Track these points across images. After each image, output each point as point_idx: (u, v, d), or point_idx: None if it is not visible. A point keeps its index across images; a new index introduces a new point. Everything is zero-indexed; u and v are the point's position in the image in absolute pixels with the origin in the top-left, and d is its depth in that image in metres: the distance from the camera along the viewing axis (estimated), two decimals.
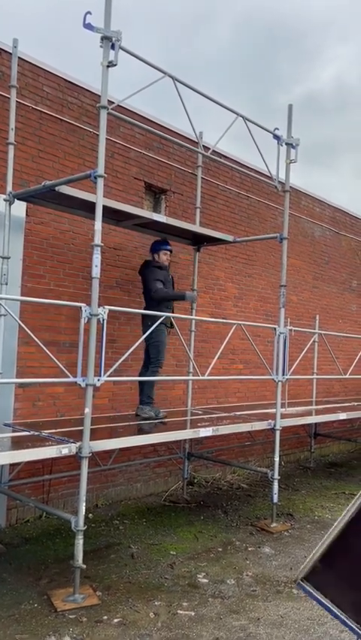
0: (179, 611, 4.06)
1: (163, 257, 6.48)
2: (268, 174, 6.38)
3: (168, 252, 6.55)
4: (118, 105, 5.12)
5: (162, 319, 5.44)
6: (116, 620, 3.88)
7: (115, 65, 4.39)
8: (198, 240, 7.20)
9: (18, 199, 5.36)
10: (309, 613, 4.12)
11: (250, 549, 5.41)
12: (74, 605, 4.03)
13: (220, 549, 5.37)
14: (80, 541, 4.16)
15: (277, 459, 6.26)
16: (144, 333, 5.81)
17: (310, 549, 5.47)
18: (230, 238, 7.11)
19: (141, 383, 6.39)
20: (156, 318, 5.45)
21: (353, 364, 8.82)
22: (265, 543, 5.59)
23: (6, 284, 5.28)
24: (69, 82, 6.31)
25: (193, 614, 4.04)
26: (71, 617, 3.90)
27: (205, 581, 4.64)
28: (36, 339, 4.35)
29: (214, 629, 3.84)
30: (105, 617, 3.91)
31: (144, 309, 6.27)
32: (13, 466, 5.44)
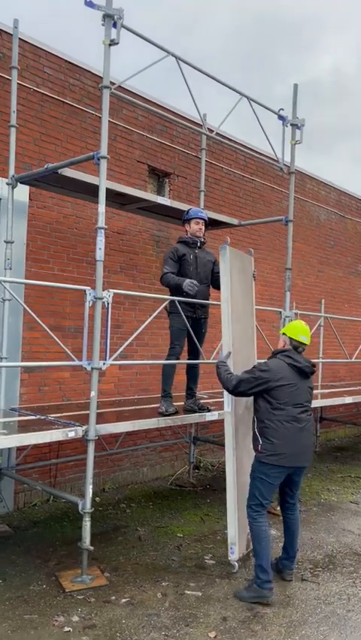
0: (186, 592, 4.08)
1: (195, 227, 5.44)
2: (273, 156, 6.31)
3: (201, 222, 5.46)
4: (120, 87, 5.05)
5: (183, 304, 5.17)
6: (124, 601, 3.91)
7: (117, 44, 4.32)
8: None
9: (21, 182, 5.31)
10: (316, 593, 4.14)
11: None
12: (82, 586, 4.06)
13: (227, 531, 5.39)
14: (87, 524, 4.19)
15: None
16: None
17: (316, 531, 5.49)
18: (235, 221, 7.05)
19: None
20: (173, 303, 5.26)
21: (359, 348, 8.78)
22: (271, 525, 5.60)
23: (10, 269, 5.27)
24: (70, 63, 6.22)
25: (200, 594, 4.06)
26: (79, 597, 3.93)
27: (212, 562, 4.66)
28: (41, 324, 4.34)
29: (221, 608, 3.86)
30: (113, 598, 3.94)
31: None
32: (19, 450, 5.47)
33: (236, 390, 4.24)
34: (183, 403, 5.68)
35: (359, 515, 6.05)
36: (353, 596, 4.11)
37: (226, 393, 4.59)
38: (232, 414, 4.67)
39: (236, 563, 4.49)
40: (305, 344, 4.38)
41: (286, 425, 4.06)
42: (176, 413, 5.23)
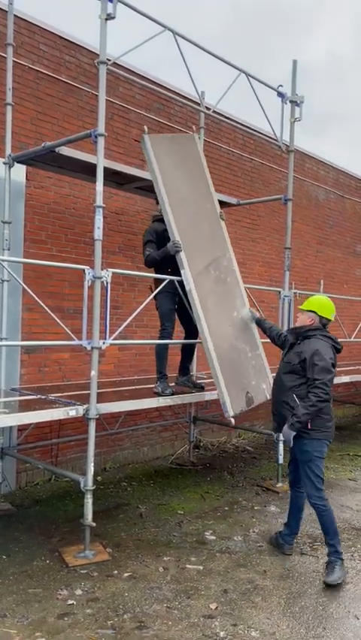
0: (187, 566, 4.15)
1: None
2: (272, 135, 6.25)
3: None
4: (117, 64, 4.97)
5: (163, 283, 5.19)
6: (126, 575, 3.98)
7: (113, 18, 4.25)
8: None
9: (17, 162, 5.27)
10: (315, 566, 4.22)
11: (256, 508, 5.50)
12: (85, 561, 4.13)
13: (227, 508, 5.47)
14: (89, 500, 4.24)
15: None
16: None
17: None
18: (233, 201, 7.01)
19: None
20: (159, 282, 5.26)
21: (358, 328, 8.80)
22: (270, 502, 5.69)
23: (8, 249, 5.24)
24: (66, 40, 6.13)
25: (202, 567, 4.13)
26: (82, 572, 4.00)
27: (213, 537, 4.73)
28: (42, 304, 4.34)
29: (222, 581, 3.94)
30: (116, 572, 4.01)
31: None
32: (21, 430, 5.51)
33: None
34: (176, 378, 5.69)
35: (357, 492, 6.13)
36: (350, 569, 4.19)
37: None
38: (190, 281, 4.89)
39: (233, 419, 4.86)
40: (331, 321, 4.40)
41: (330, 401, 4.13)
42: (173, 394, 5.26)
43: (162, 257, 5.12)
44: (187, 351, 5.79)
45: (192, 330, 5.53)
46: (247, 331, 5.49)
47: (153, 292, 5.27)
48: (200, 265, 5.18)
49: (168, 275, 5.13)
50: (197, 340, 5.70)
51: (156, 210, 5.44)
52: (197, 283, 4.98)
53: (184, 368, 5.78)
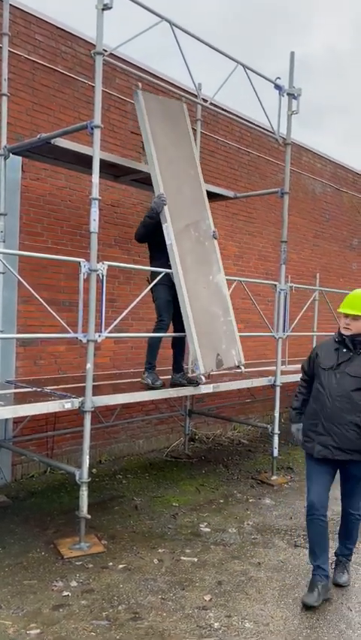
0: (182, 558, 4.18)
1: None
2: (269, 127, 6.22)
3: None
4: (113, 55, 4.93)
5: (160, 276, 5.20)
6: (121, 566, 4.00)
7: (110, 8, 4.20)
8: None
9: (13, 153, 5.23)
10: (308, 558, 4.24)
11: (250, 500, 5.53)
12: (80, 553, 4.15)
13: (222, 501, 5.50)
14: (84, 493, 4.25)
15: (277, 414, 6.34)
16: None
17: None
18: (230, 194, 6.99)
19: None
20: (154, 275, 5.25)
21: None
22: (265, 495, 5.72)
23: (3, 241, 5.23)
24: (62, 30, 6.07)
25: (196, 560, 4.16)
26: (77, 563, 4.02)
27: (207, 530, 4.76)
28: (37, 296, 4.31)
29: (217, 573, 3.96)
30: (110, 564, 4.03)
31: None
32: (16, 422, 5.51)
33: None
34: (170, 377, 5.66)
35: None
36: None
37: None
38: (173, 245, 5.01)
39: (203, 377, 5.04)
40: None
41: None
42: (163, 386, 5.22)
43: (150, 223, 5.13)
44: (179, 347, 5.77)
45: (180, 328, 5.52)
46: (220, 297, 5.57)
47: (149, 284, 5.25)
48: (181, 224, 5.28)
49: (160, 252, 5.15)
50: (184, 334, 5.68)
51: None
52: (178, 240, 5.10)
53: (177, 365, 5.75)
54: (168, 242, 5.06)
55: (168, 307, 5.31)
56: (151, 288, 5.24)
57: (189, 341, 5.08)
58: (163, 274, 5.08)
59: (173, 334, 5.49)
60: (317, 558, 3.73)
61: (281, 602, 3.59)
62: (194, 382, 5.45)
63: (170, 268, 5.12)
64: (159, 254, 5.20)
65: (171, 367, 5.66)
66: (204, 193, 5.79)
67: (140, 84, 5.17)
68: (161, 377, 5.27)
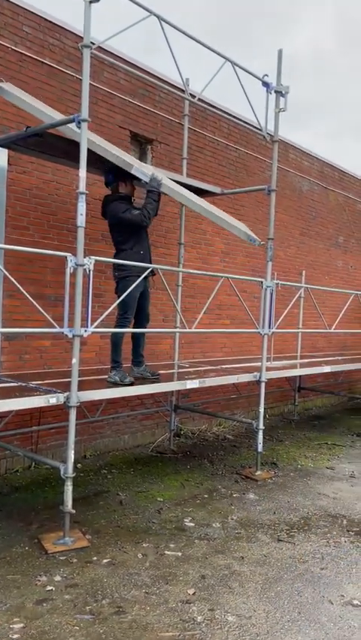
0: (166, 552, 4.20)
1: (131, 188, 5.74)
2: (256, 124, 6.23)
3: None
4: (101, 48, 4.90)
5: (148, 271, 5.27)
6: (105, 561, 4.01)
7: (98, 1, 4.18)
8: None
9: None
10: (291, 552, 4.30)
11: (235, 495, 5.57)
12: (64, 548, 4.15)
13: (206, 495, 5.53)
14: (69, 487, 4.25)
15: (261, 410, 6.38)
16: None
17: (293, 495, 5.66)
18: (218, 190, 7.00)
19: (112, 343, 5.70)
20: (122, 267, 5.28)
21: (338, 320, 8.89)
22: (249, 490, 5.76)
23: None
24: (50, 22, 6.01)
25: (180, 554, 4.18)
26: (61, 558, 4.02)
27: (192, 524, 4.79)
28: (23, 291, 4.28)
29: (200, 567, 3.99)
30: (95, 558, 4.04)
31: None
32: (1, 417, 5.47)
33: None
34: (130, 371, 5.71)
35: (334, 480, 6.24)
36: (326, 555, 4.28)
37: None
38: None
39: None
40: None
41: None
42: (132, 383, 5.24)
43: (155, 206, 5.39)
44: (141, 341, 5.87)
45: (141, 321, 5.70)
46: None
47: (119, 277, 5.40)
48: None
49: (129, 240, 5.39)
50: (172, 329, 5.75)
51: (122, 194, 5.69)
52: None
53: (138, 358, 5.81)
54: (148, 172, 5.32)
55: (134, 304, 5.48)
56: (120, 281, 5.34)
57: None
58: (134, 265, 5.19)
59: (161, 330, 5.52)
60: None
61: (264, 596, 3.63)
62: (157, 375, 5.64)
63: (141, 253, 5.36)
64: (127, 243, 5.45)
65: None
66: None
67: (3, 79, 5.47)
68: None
